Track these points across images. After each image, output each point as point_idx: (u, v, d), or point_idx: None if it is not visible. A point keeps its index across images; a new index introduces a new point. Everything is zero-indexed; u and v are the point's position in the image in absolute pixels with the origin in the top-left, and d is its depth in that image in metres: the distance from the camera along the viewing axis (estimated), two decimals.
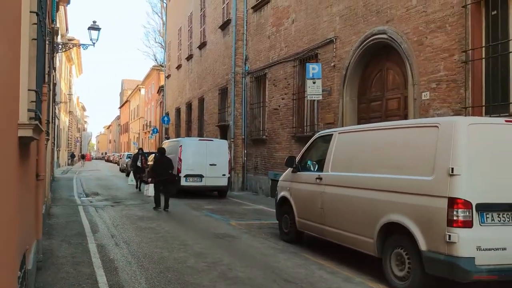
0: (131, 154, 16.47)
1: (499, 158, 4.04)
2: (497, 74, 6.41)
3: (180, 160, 12.51)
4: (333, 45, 9.97)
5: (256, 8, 14.05)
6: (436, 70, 7.25)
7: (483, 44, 6.58)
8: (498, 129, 4.18)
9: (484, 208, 3.86)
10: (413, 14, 7.72)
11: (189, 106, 21.84)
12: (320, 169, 5.94)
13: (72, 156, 42.79)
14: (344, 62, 9.58)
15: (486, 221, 3.88)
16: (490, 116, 6.22)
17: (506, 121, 4.27)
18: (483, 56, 6.58)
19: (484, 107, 6.54)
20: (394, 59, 8.52)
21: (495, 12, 6.42)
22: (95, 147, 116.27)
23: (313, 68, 9.83)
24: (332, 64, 9.97)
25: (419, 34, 7.59)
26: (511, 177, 4.02)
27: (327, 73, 10.10)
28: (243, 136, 14.83)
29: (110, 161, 55.96)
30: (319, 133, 6.74)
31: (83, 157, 43.55)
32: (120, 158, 35.12)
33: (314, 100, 10.38)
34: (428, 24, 7.39)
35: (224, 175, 12.74)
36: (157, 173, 10.17)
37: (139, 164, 15.38)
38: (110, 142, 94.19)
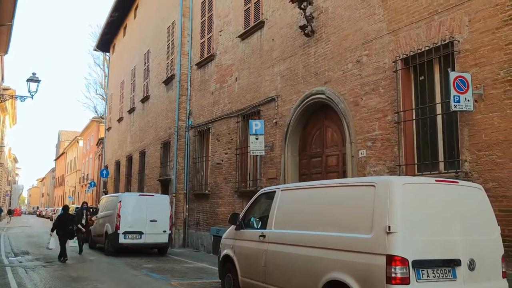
0: (78, 207, 15.14)
1: (431, 216, 4.26)
2: (426, 134, 6.87)
3: (119, 216, 12.10)
4: (275, 103, 10.31)
5: (200, 65, 14.35)
6: (371, 129, 7.65)
7: (413, 106, 7.08)
8: (430, 188, 4.44)
9: (420, 265, 4.01)
10: (349, 77, 8.20)
11: (129, 159, 21.40)
12: (264, 226, 5.96)
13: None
14: (285, 119, 9.90)
15: (422, 277, 4.02)
16: (422, 174, 6.61)
17: (436, 180, 4.56)
18: (414, 117, 7.07)
19: (416, 165, 6.94)
20: (333, 118, 8.92)
21: (422, 77, 6.98)
22: (26, 201, 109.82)
23: (256, 125, 10.07)
24: (274, 121, 10.26)
25: (355, 95, 8.04)
26: (443, 233, 4.23)
27: (269, 129, 10.36)
28: (185, 191, 14.64)
29: (43, 216, 52.90)
30: (263, 189, 6.81)
31: (10, 212, 40.60)
32: (54, 213, 33.30)
33: (257, 156, 10.53)
34: (363, 86, 7.87)
35: (165, 231, 12.42)
36: (58, 227, 11.28)
37: (83, 221, 12.94)
38: (43, 196, 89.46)
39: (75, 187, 47.52)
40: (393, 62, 7.23)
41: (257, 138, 9.98)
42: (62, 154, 62.53)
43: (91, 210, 14.34)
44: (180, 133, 14.93)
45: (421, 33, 6.80)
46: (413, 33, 6.93)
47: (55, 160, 72.23)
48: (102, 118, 33.49)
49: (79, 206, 15.83)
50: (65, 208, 12.68)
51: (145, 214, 12.25)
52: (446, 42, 6.38)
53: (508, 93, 5.59)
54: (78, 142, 48.37)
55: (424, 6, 6.78)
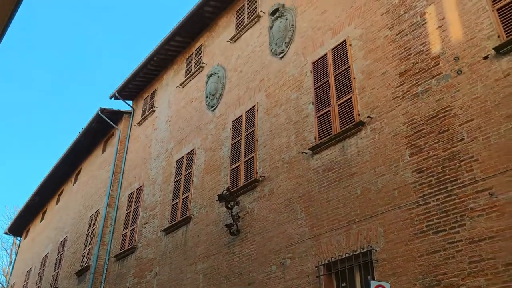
0: None
1: None
2: None
3: None
4: None
5: (119, 257, 13.68)
6: None
7: None
8: None
9: None
10: (273, 279, 8.09)
11: None
12: None
13: None
14: None
15: None
16: None
17: None
18: None
19: None
20: None
21: (344, 284, 7.03)
22: None
23: None
24: None
25: None
26: None
27: None
28: None
29: None
30: None
31: None
32: None
33: None
34: None
35: None
36: None
37: None
38: None
39: None
40: (315, 267, 7.33)
41: None
42: None
43: None
44: None
45: (341, 240, 7.11)
46: (334, 240, 7.23)
47: None
48: None
49: None
50: None
51: None
52: (364, 250, 6.67)
53: None
54: None
55: (342, 215, 7.25)
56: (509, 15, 6.11)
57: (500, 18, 6.18)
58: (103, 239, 14.70)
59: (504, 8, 6.20)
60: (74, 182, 20.01)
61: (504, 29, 6.08)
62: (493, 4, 6.34)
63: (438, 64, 6.75)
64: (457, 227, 5.69)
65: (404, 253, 6.15)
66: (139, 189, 14.14)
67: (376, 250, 6.51)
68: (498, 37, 6.11)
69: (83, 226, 16.82)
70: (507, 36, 6.01)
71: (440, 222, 5.88)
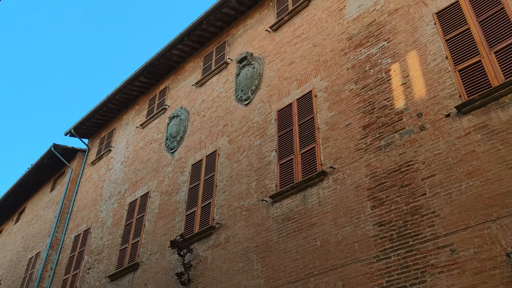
0: None
1: None
2: None
3: None
4: None
5: None
6: None
7: None
8: None
9: None
10: None
11: None
12: None
13: None
14: None
15: None
16: None
17: None
18: None
19: None
20: None
21: None
22: None
23: None
24: None
25: None
26: None
27: None
28: None
29: None
30: None
31: None
32: None
33: None
34: None
35: None
36: None
37: None
38: None
39: None
40: None
41: None
42: None
43: None
44: None
45: None
46: None
47: None
48: None
49: None
50: None
51: None
52: None
53: None
54: None
55: (300, 267, 6.96)
56: (470, 76, 6.33)
57: (462, 79, 6.38)
58: (41, 284, 13.60)
59: (465, 70, 6.42)
60: (16, 221, 18.74)
61: (465, 89, 6.27)
62: (455, 66, 6.56)
63: (402, 119, 6.84)
64: (417, 283, 5.52)
65: None
66: (87, 232, 13.33)
67: None
68: (460, 96, 6.28)
69: (20, 269, 15.57)
70: (468, 96, 6.18)
71: (400, 278, 5.70)
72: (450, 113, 6.28)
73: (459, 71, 6.48)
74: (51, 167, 16.77)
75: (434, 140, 6.28)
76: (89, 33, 58.92)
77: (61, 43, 59.06)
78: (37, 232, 15.96)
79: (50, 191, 16.95)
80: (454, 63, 6.59)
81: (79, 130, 16.34)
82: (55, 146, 15.89)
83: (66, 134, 16.51)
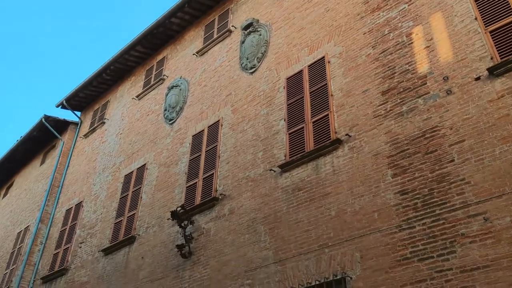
0: None
1: None
2: None
3: None
4: None
5: (47, 279, 12.13)
6: None
7: None
8: None
9: None
10: None
11: None
12: None
13: None
14: None
15: None
16: None
17: None
18: None
19: None
20: None
21: None
22: None
23: None
24: None
25: None
26: None
27: None
28: None
29: None
30: None
31: None
32: None
33: None
34: None
35: None
36: None
37: None
38: None
39: None
40: None
41: None
42: None
43: None
44: None
45: (310, 265, 6.37)
46: (302, 265, 6.48)
47: None
48: None
49: None
50: None
51: None
52: (338, 277, 5.95)
53: None
54: None
55: (313, 238, 6.55)
56: (502, 37, 5.90)
57: (493, 40, 5.96)
58: (30, 259, 13.09)
59: (497, 31, 5.99)
60: (4, 196, 18.10)
61: (497, 50, 5.85)
62: (485, 27, 6.13)
63: (426, 83, 6.41)
64: (446, 254, 5.14)
65: (384, 281, 5.50)
66: (79, 205, 12.81)
67: (351, 278, 5.82)
68: (492, 58, 5.86)
69: (8, 244, 15.02)
70: (501, 58, 5.77)
71: (426, 248, 5.32)
72: (480, 76, 5.86)
73: (490, 32, 6.05)
74: (41, 139, 16.11)
75: (462, 105, 5.86)
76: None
77: (55, 9, 57.07)
78: (26, 206, 15.37)
79: (40, 165, 16.32)
80: (485, 24, 6.15)
81: (72, 102, 15.71)
82: (46, 117, 15.22)
83: (57, 106, 15.88)
